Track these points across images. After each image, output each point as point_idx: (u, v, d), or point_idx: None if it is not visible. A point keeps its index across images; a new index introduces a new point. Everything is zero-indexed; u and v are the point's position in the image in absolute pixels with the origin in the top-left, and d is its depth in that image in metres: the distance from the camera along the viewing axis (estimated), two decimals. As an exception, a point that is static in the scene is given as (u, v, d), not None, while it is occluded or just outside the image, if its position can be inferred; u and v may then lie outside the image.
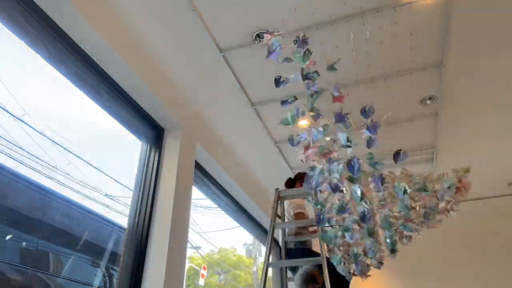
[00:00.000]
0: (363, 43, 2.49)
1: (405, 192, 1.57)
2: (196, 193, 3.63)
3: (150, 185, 2.70)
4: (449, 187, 2.00)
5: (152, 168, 2.77)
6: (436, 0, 2.26)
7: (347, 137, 1.47)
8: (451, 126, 3.43)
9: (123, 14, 2.35)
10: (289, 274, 2.89)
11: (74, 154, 2.88)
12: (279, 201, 2.58)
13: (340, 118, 1.44)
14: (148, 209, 2.62)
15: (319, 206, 1.69)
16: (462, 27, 2.42)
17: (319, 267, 2.28)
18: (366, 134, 1.41)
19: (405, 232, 1.83)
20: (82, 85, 2.29)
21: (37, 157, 2.55)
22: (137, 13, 2.36)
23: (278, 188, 2.60)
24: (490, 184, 4.33)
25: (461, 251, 4.72)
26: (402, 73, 2.78)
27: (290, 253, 2.79)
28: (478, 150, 3.77)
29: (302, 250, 2.79)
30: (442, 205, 2.00)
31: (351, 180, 1.45)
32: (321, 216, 1.73)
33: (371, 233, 1.74)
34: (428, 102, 3.12)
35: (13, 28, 1.92)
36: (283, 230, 2.75)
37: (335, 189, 1.56)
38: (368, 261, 1.95)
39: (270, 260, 2.39)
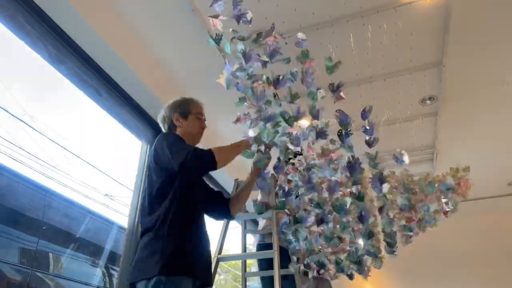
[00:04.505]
0: (363, 43, 2.49)
1: (407, 190, 1.57)
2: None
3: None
4: (448, 188, 2.01)
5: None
6: (436, 0, 2.26)
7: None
8: (451, 126, 3.43)
9: (124, 14, 2.35)
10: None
11: (74, 154, 2.88)
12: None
13: (344, 116, 1.44)
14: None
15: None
16: (462, 27, 2.42)
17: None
18: (365, 134, 1.41)
19: (404, 233, 1.83)
20: (82, 85, 2.30)
21: (37, 157, 2.55)
22: (137, 13, 2.36)
23: (237, 179, 2.36)
24: (490, 184, 4.33)
25: (461, 251, 4.73)
26: (402, 73, 2.78)
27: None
28: (478, 150, 3.76)
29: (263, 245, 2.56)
30: (441, 205, 2.01)
31: (354, 182, 1.45)
32: (322, 216, 1.73)
33: (369, 235, 1.74)
34: (428, 102, 3.12)
35: (13, 28, 1.92)
36: (243, 222, 2.48)
37: (334, 190, 1.56)
38: (369, 262, 1.95)
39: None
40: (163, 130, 1.70)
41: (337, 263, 1.95)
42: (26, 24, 1.87)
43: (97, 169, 3.05)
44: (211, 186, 1.79)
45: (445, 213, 2.12)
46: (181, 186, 1.43)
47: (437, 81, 2.88)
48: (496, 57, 2.68)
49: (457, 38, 2.49)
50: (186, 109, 1.67)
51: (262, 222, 2.80)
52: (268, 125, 1.54)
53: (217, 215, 1.79)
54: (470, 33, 2.48)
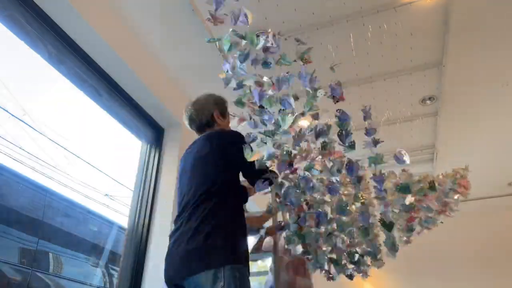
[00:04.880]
0: (363, 43, 2.49)
1: (407, 191, 1.57)
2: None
3: (150, 185, 2.70)
4: (450, 189, 2.01)
5: (152, 168, 2.77)
6: (436, 0, 2.26)
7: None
8: (451, 126, 3.43)
9: (124, 14, 2.35)
10: None
11: (74, 154, 2.88)
12: None
13: (344, 116, 1.44)
14: (148, 209, 2.62)
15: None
16: (462, 27, 2.42)
17: None
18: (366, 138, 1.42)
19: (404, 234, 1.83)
20: (82, 84, 2.30)
21: (37, 157, 2.55)
22: (137, 13, 2.36)
23: None
24: (490, 184, 4.33)
25: (460, 251, 4.73)
26: (402, 73, 2.78)
27: None
28: (478, 150, 3.76)
29: None
30: (440, 206, 2.01)
31: (358, 180, 1.45)
32: (320, 216, 1.73)
33: (367, 233, 1.73)
34: (428, 102, 3.12)
35: (13, 28, 1.92)
36: None
37: (333, 190, 1.56)
38: (368, 261, 1.95)
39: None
40: (193, 124, 1.70)
41: (336, 263, 1.95)
42: (25, 24, 1.87)
43: (97, 169, 3.05)
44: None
45: (443, 211, 2.12)
46: (239, 184, 1.53)
47: (437, 81, 2.88)
48: (496, 57, 2.68)
49: (457, 38, 2.49)
50: (225, 108, 1.75)
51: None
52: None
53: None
54: (470, 33, 2.48)
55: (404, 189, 1.59)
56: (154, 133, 2.91)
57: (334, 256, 1.88)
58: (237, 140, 1.52)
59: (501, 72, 2.81)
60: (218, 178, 1.47)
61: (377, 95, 2.95)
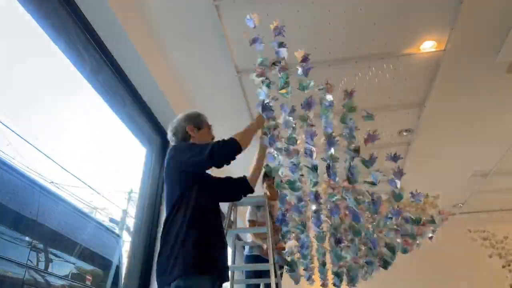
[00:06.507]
0: (365, 81, 2.83)
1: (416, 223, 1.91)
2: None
3: (157, 192, 2.78)
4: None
5: (159, 177, 2.84)
6: (430, 54, 2.66)
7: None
8: (418, 153, 3.95)
9: (155, 29, 2.43)
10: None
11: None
12: (232, 208, 2.58)
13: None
14: (155, 218, 2.69)
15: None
16: (446, 78, 2.87)
17: None
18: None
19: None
20: (107, 93, 2.34)
21: (48, 157, 2.52)
22: (170, 37, 2.46)
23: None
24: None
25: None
26: (391, 109, 3.19)
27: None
28: (435, 175, 4.37)
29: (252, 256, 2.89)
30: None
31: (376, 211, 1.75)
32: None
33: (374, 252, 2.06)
34: (405, 133, 3.58)
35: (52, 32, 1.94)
36: (235, 236, 2.76)
37: (356, 217, 1.86)
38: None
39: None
40: (173, 142, 1.79)
41: (338, 275, 2.26)
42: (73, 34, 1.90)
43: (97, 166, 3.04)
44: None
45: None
46: (200, 195, 1.57)
47: (416, 118, 3.34)
48: (466, 107, 3.20)
49: (440, 86, 2.94)
50: (200, 120, 1.82)
51: (248, 236, 3.03)
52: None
53: (237, 195, 1.88)
54: (451, 84, 2.95)
55: (415, 221, 1.93)
56: (160, 141, 2.98)
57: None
58: (180, 145, 1.66)
59: (469, 117, 3.35)
60: (173, 193, 1.56)
61: (366, 124, 3.32)
